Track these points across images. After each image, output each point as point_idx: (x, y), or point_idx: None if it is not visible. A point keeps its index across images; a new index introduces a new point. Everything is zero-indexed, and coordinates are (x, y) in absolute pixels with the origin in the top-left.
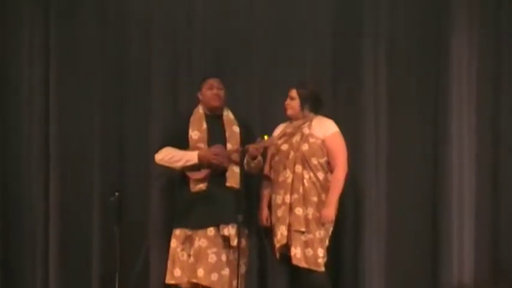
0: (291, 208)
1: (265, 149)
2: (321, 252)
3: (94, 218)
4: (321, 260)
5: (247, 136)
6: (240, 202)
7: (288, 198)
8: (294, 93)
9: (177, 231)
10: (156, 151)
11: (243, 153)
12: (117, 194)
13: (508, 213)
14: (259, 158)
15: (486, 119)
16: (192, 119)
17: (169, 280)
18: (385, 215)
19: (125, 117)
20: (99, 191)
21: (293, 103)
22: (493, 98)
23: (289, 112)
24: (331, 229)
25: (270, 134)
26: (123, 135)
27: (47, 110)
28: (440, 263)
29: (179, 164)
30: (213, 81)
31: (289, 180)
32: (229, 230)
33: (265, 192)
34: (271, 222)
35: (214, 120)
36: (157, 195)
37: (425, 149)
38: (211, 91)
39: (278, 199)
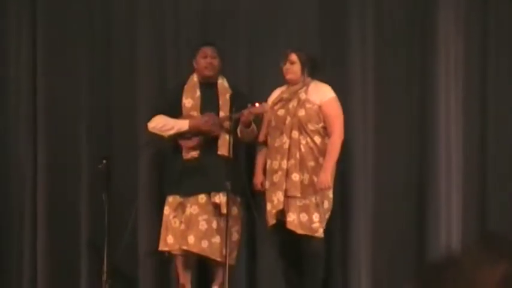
0: (287, 174)
1: (258, 115)
2: (316, 217)
3: (82, 186)
4: (316, 225)
5: (238, 103)
6: (228, 169)
7: (284, 164)
8: (294, 57)
9: (170, 198)
10: (149, 118)
11: (234, 120)
12: (104, 161)
13: (495, 183)
14: (253, 125)
15: (473, 94)
16: (186, 86)
17: (162, 247)
18: (373, 187)
19: (111, 83)
20: (87, 159)
21: (294, 67)
22: (480, 75)
23: (290, 76)
24: (330, 195)
25: (265, 98)
26: (110, 104)
27: (34, 81)
28: (427, 231)
29: (171, 132)
30: (206, 50)
31: (286, 145)
32: (220, 198)
33: (260, 158)
34: (264, 188)
35: (208, 88)
36: (145, 162)
37: (413, 124)
38: (205, 60)
39: (274, 164)
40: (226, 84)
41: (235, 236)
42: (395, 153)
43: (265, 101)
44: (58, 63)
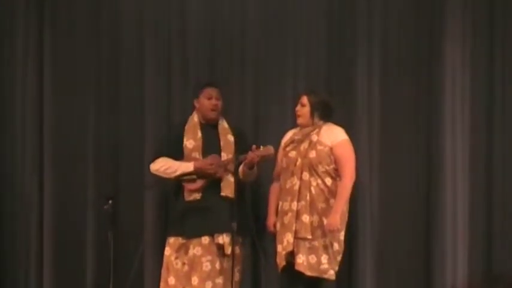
0: (297, 215)
1: (264, 158)
2: (325, 258)
3: (88, 226)
4: (325, 267)
5: (242, 145)
6: (233, 211)
7: (294, 205)
8: (304, 99)
9: (171, 240)
10: (151, 160)
11: (238, 162)
12: (110, 201)
13: (501, 218)
14: (255, 167)
15: (480, 131)
16: (186, 127)
17: None
18: (379, 217)
19: (119, 124)
20: (93, 199)
21: (304, 110)
22: (487, 99)
23: (300, 120)
24: (341, 237)
25: (272, 139)
26: (117, 142)
27: (41, 116)
28: (434, 268)
29: (174, 175)
30: (212, 91)
31: (296, 187)
32: (224, 238)
33: (273, 199)
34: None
35: (209, 129)
36: (151, 203)
37: (419, 151)
38: (210, 101)
39: (285, 206)
40: (226, 125)
41: (237, 276)
42: (400, 191)
43: (269, 144)
44: (65, 101)
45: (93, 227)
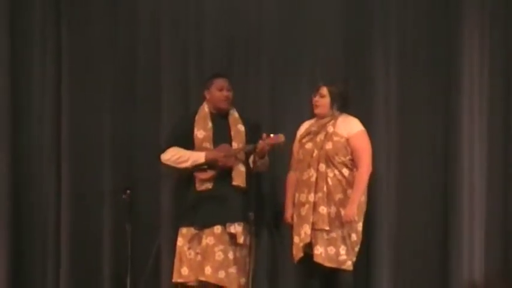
0: (314, 207)
1: (274, 146)
2: (343, 249)
3: (105, 216)
4: (343, 258)
5: (253, 135)
6: (249, 200)
7: (311, 197)
8: (324, 90)
9: (184, 230)
10: (162, 151)
11: (249, 151)
12: (128, 191)
13: None
14: (266, 156)
15: (497, 128)
16: (197, 117)
17: (176, 278)
18: (395, 213)
19: (136, 115)
20: (111, 189)
21: (323, 101)
22: (504, 98)
23: (319, 110)
24: (359, 228)
25: (287, 129)
26: (134, 133)
27: (59, 110)
28: (450, 261)
29: (186, 164)
30: (223, 82)
31: (313, 178)
32: (236, 228)
33: (290, 190)
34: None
35: (220, 119)
36: (167, 193)
37: (436, 143)
38: (221, 92)
39: (302, 197)
40: (236, 114)
41: (251, 265)
42: (417, 182)
43: (281, 133)
44: (82, 94)
45: (110, 219)
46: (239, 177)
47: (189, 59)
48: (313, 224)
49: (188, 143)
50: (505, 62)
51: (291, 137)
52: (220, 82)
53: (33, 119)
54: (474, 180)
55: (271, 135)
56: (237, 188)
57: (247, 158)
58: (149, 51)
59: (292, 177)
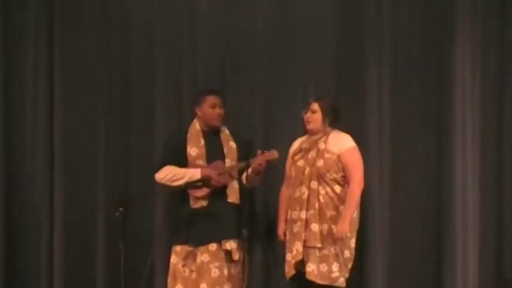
0: (306, 224)
1: (270, 162)
2: (335, 266)
3: (98, 234)
4: (336, 275)
5: (245, 152)
6: (243, 217)
7: (303, 214)
8: (315, 106)
9: (178, 248)
10: (156, 170)
11: (242, 168)
12: (121, 209)
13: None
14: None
15: (489, 134)
16: (189, 135)
17: None
18: (389, 229)
19: (129, 131)
20: (104, 207)
21: (315, 116)
22: (497, 108)
23: (311, 126)
24: (352, 244)
25: (280, 146)
26: (128, 151)
27: (52, 125)
28: (444, 280)
29: (181, 182)
30: (216, 100)
31: (305, 196)
32: (231, 244)
33: (283, 207)
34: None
35: (212, 136)
36: (161, 210)
37: (429, 157)
38: (214, 110)
39: (294, 215)
40: (227, 132)
41: (245, 282)
42: (411, 198)
43: (274, 149)
44: (76, 111)
45: (103, 237)
46: (233, 194)
47: (182, 74)
48: (305, 241)
49: (181, 161)
50: (497, 72)
51: (284, 153)
52: (212, 99)
53: (26, 133)
54: (467, 193)
55: (265, 151)
56: (232, 204)
57: (240, 174)
58: (142, 65)
59: (285, 193)
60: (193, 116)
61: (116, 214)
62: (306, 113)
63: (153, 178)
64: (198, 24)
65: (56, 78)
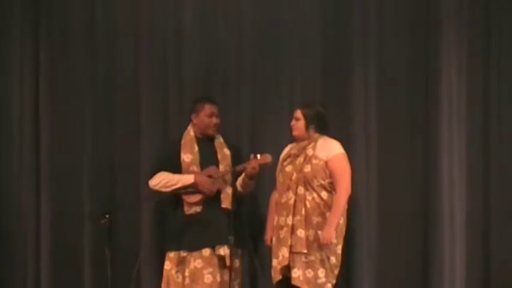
0: (292, 230)
1: (262, 166)
2: (322, 272)
3: (84, 241)
4: (322, 281)
5: (238, 159)
6: (235, 222)
7: (290, 220)
8: (298, 113)
9: (171, 254)
10: (150, 177)
11: (235, 173)
12: (107, 216)
13: (498, 227)
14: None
15: (476, 141)
16: (183, 142)
17: None
18: (376, 235)
19: (115, 139)
20: (90, 213)
21: (298, 124)
22: (483, 118)
23: (295, 133)
24: (338, 251)
25: (271, 154)
26: (114, 157)
27: (37, 132)
28: (432, 281)
29: (175, 187)
30: (213, 109)
31: (292, 201)
32: (225, 250)
33: (272, 213)
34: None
35: (206, 142)
36: (147, 217)
37: (416, 164)
38: (210, 119)
39: (281, 220)
40: (221, 139)
41: None
42: (398, 204)
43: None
44: (61, 119)
45: (90, 243)
46: (227, 200)
47: (168, 83)
48: (291, 247)
49: (175, 168)
50: (483, 82)
51: (273, 161)
52: (210, 109)
53: (12, 142)
54: (454, 199)
55: (258, 155)
56: (226, 210)
57: (234, 180)
58: (128, 73)
59: (275, 199)
60: (179, 124)
61: (102, 221)
62: (291, 121)
63: (139, 184)
64: (184, 33)
65: (41, 88)
